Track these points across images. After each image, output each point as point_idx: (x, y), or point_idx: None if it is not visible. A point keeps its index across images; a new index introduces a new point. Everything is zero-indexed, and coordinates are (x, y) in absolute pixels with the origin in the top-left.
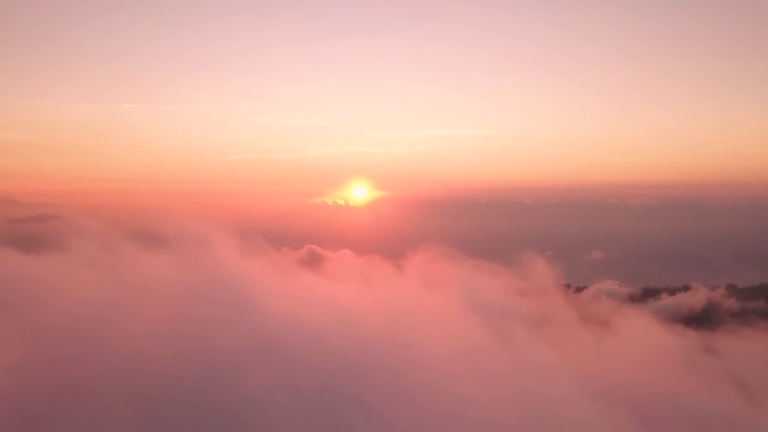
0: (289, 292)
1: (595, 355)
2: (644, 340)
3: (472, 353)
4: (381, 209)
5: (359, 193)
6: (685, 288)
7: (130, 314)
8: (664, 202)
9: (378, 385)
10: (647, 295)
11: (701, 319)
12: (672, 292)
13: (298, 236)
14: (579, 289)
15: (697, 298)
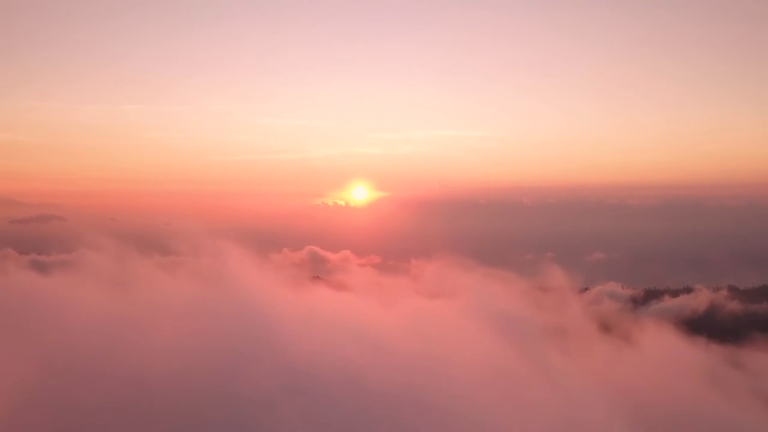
0: (306, 309)
1: (616, 368)
2: (667, 354)
3: (501, 377)
4: (381, 210)
5: (360, 194)
6: (687, 290)
7: (146, 330)
8: (663, 202)
9: (407, 413)
10: (649, 296)
11: (705, 322)
12: (674, 293)
13: (299, 237)
14: (581, 291)
15: (699, 300)
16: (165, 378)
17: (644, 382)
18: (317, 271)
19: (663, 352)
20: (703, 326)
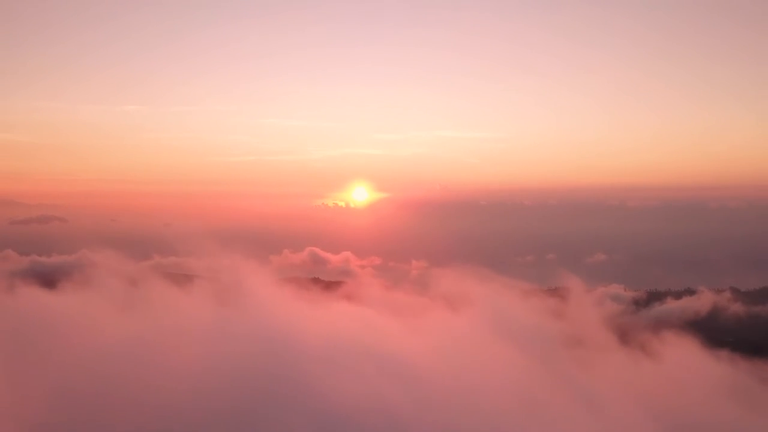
0: (324, 329)
1: (639, 380)
2: (691, 369)
3: (529, 399)
4: (381, 211)
5: (360, 195)
6: (690, 292)
7: (164, 352)
8: (664, 203)
9: None
10: (652, 298)
11: (708, 324)
12: (677, 296)
13: (300, 238)
14: (582, 292)
15: (702, 301)
16: (186, 402)
17: (667, 393)
18: (318, 272)
19: (685, 363)
20: (706, 328)
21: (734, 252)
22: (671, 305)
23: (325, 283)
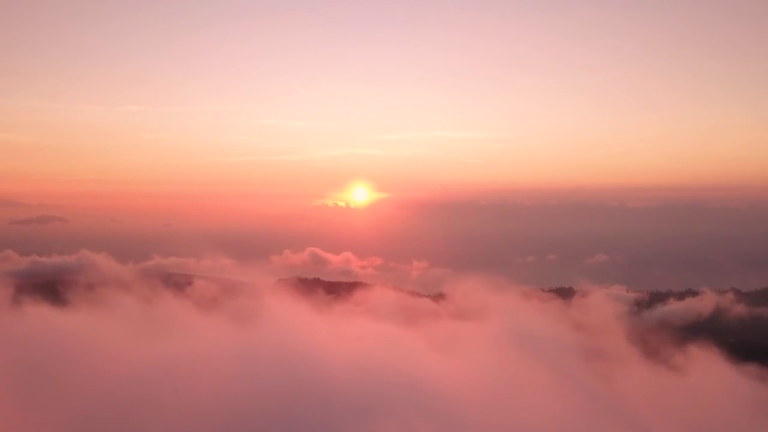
0: (348, 349)
1: (658, 392)
2: (714, 382)
3: (562, 418)
4: (382, 211)
5: (360, 195)
6: (693, 293)
7: (186, 376)
8: (664, 204)
9: None
10: (654, 300)
11: (710, 325)
12: (679, 296)
13: (300, 238)
14: (585, 294)
15: (705, 303)
16: (211, 427)
17: (692, 407)
18: (319, 272)
19: (711, 376)
20: (709, 329)
21: (735, 253)
22: (674, 306)
23: (333, 286)
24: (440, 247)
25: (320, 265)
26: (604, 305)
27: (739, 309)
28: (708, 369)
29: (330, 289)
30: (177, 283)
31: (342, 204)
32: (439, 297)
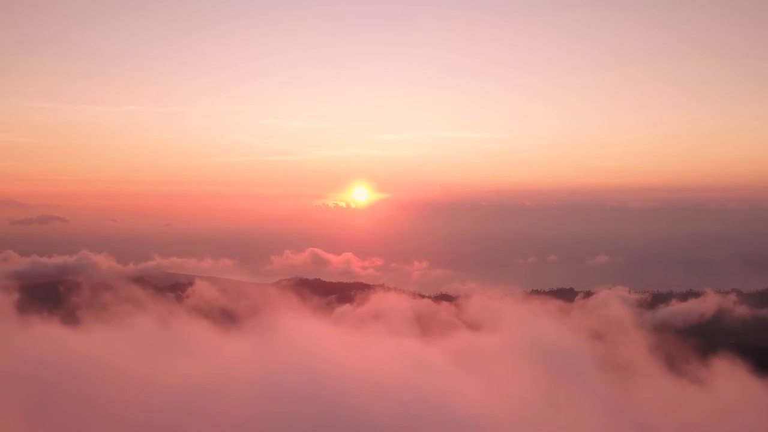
0: (371, 368)
1: (679, 404)
2: (737, 395)
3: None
4: (382, 212)
5: (360, 196)
6: (694, 294)
7: (209, 398)
8: (664, 204)
9: None
10: (657, 301)
11: (713, 326)
12: (683, 297)
13: (301, 238)
14: (587, 295)
15: (707, 304)
16: None
17: (714, 420)
18: (319, 273)
19: (733, 388)
20: (711, 331)
21: (736, 253)
22: (676, 307)
23: (334, 287)
24: (441, 248)
25: (321, 265)
26: (616, 311)
27: (742, 310)
28: (728, 379)
29: (331, 289)
30: (178, 283)
31: (342, 204)
32: (441, 298)
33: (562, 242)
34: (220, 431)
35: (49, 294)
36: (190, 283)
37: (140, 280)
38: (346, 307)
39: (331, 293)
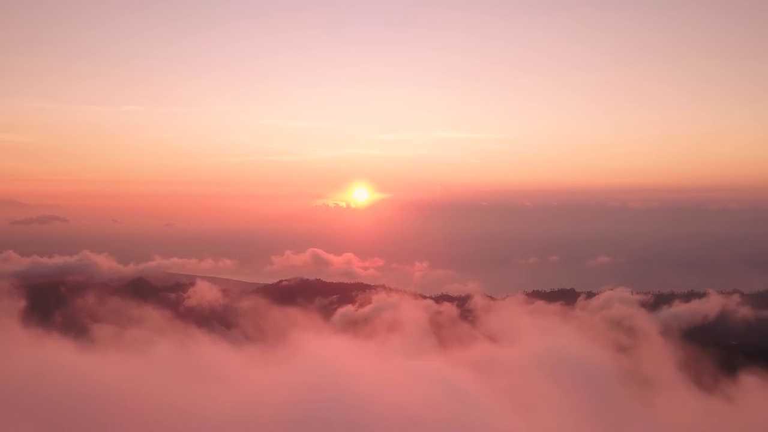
0: (399, 393)
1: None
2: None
3: None
4: (382, 212)
5: (360, 196)
6: (698, 294)
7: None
8: (665, 205)
9: None
10: (660, 301)
11: (716, 327)
12: (686, 298)
13: (301, 239)
14: (589, 296)
15: (710, 305)
16: None
17: None
18: (320, 273)
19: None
20: (715, 332)
21: (736, 254)
22: (679, 308)
23: (335, 287)
24: (441, 248)
25: (322, 265)
26: (635, 321)
27: (745, 311)
28: (757, 396)
29: (332, 290)
30: (179, 284)
31: (343, 204)
32: (442, 298)
33: (563, 243)
34: None
35: (51, 295)
36: (191, 284)
37: (141, 280)
38: (348, 308)
39: (333, 294)
